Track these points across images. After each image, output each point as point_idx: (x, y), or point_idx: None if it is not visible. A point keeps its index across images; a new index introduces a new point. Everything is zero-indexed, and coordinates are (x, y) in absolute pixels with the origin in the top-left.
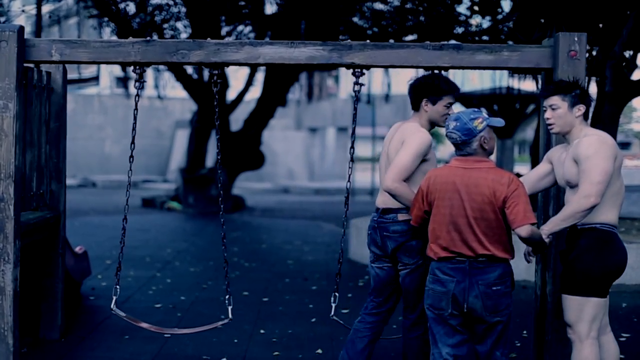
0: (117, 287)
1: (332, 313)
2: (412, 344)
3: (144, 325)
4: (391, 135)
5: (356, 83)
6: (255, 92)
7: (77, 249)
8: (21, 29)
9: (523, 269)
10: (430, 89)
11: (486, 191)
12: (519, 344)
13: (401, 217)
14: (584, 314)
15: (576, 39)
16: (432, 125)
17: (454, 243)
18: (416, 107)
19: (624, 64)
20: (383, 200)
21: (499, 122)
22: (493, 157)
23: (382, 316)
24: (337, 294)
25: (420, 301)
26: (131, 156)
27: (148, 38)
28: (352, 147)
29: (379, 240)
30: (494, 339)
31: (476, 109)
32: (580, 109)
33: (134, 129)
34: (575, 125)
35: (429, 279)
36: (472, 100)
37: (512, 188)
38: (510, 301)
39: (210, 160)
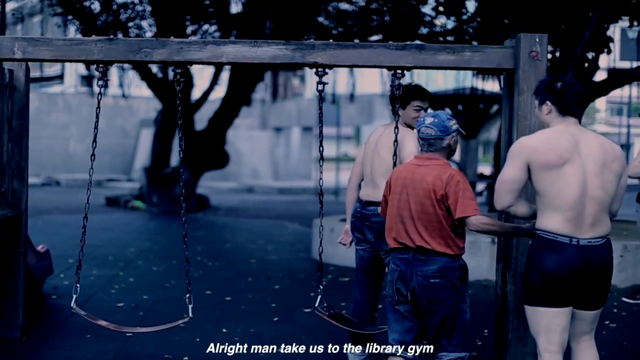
0: (77, 285)
1: (317, 304)
2: (366, 315)
3: (103, 323)
4: (377, 136)
5: (319, 82)
6: (220, 92)
7: (40, 248)
8: None
9: (485, 268)
10: (400, 96)
11: (427, 186)
12: (480, 343)
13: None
14: (535, 324)
15: (537, 39)
16: (408, 127)
17: (400, 234)
18: (395, 112)
19: (586, 65)
20: (367, 193)
21: (462, 131)
22: (457, 157)
23: (369, 299)
24: (321, 286)
25: None
26: (93, 154)
27: (111, 36)
28: (321, 145)
29: (362, 228)
30: (435, 327)
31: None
32: (547, 107)
33: (96, 127)
34: (550, 124)
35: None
36: (436, 100)
37: (451, 184)
38: (452, 294)
39: (175, 159)
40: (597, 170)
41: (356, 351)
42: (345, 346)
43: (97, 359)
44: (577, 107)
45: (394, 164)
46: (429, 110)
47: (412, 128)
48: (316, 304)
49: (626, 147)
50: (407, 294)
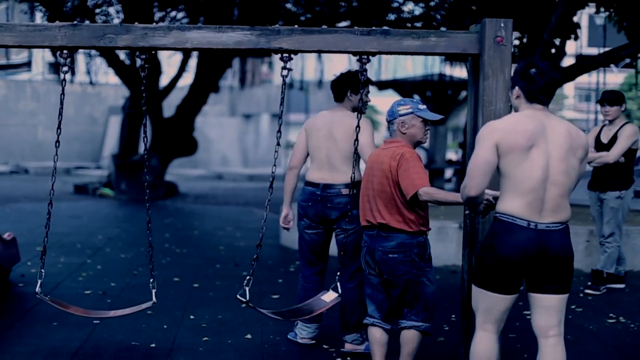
0: (42, 271)
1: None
2: (350, 293)
3: (71, 309)
4: (327, 122)
5: (284, 68)
6: (188, 79)
7: (6, 236)
8: None
9: (453, 254)
10: (352, 82)
11: (385, 167)
12: (447, 328)
13: (344, 191)
14: (476, 303)
15: (502, 25)
16: (354, 111)
17: (366, 213)
18: (340, 98)
19: (553, 50)
20: (322, 177)
21: (431, 115)
22: (426, 143)
23: (320, 277)
24: (250, 277)
25: (355, 258)
26: (57, 141)
27: (75, 22)
28: (279, 130)
29: (321, 211)
30: (396, 297)
31: (417, 100)
32: (516, 91)
33: (60, 113)
34: (518, 108)
35: None
36: (405, 87)
37: (401, 162)
38: (410, 268)
39: (143, 146)
40: (562, 155)
41: (307, 328)
42: (296, 322)
43: (64, 346)
44: (546, 95)
45: (356, 149)
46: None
47: (362, 113)
48: (238, 294)
49: None
50: (375, 267)
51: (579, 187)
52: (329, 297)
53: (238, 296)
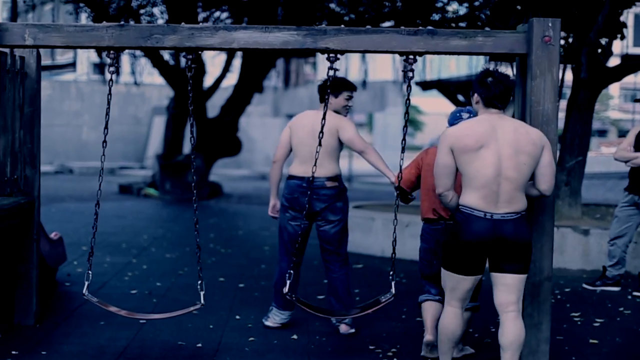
0: (89, 272)
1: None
2: (346, 277)
3: (114, 309)
4: (311, 121)
5: (330, 68)
6: (232, 79)
7: (53, 235)
8: None
9: None
10: (333, 86)
11: None
12: (493, 330)
13: (329, 183)
14: (444, 282)
15: (550, 24)
16: (337, 112)
17: (434, 206)
18: (323, 100)
19: (599, 50)
20: (306, 170)
21: None
22: None
23: (297, 269)
24: (291, 272)
25: (342, 245)
26: (104, 141)
27: (122, 22)
28: (322, 131)
29: (306, 202)
30: None
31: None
32: (475, 97)
33: (107, 113)
34: (478, 112)
35: None
36: (449, 87)
37: None
38: None
39: (188, 146)
40: (511, 153)
41: (280, 314)
42: (270, 307)
43: (110, 345)
44: (501, 101)
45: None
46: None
47: (340, 114)
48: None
49: None
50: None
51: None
52: (386, 297)
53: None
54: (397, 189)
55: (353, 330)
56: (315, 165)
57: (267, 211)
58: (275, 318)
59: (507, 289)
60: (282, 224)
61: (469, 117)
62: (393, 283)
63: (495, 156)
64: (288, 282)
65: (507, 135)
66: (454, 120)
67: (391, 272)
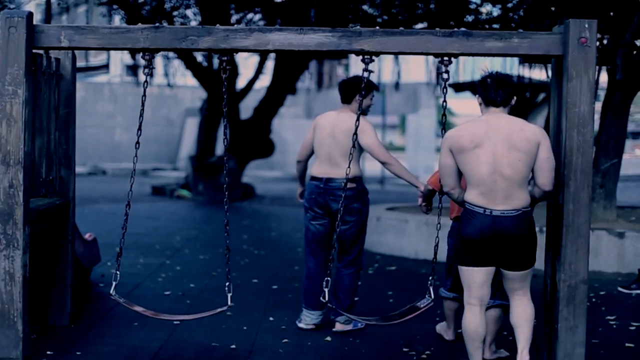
0: (117, 272)
1: (325, 297)
2: (347, 279)
3: (140, 309)
4: (331, 122)
5: (365, 70)
6: (265, 81)
7: (87, 236)
8: (30, 15)
9: None
10: (361, 86)
11: None
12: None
13: (348, 185)
14: (462, 280)
15: (586, 25)
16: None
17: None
18: (349, 100)
19: (635, 52)
20: (325, 171)
21: None
22: None
23: (324, 267)
24: (328, 278)
25: (354, 247)
26: (137, 142)
27: (157, 24)
28: (355, 133)
29: (324, 202)
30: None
31: None
32: (478, 99)
33: (141, 114)
34: (482, 113)
35: None
36: None
37: None
38: None
39: (220, 148)
40: (505, 151)
41: (311, 314)
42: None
43: (144, 346)
44: (500, 100)
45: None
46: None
47: (365, 114)
48: (324, 298)
49: None
50: None
51: None
52: (423, 302)
53: (325, 302)
54: (440, 194)
55: (349, 328)
56: (348, 166)
57: (300, 213)
58: (306, 319)
59: (512, 281)
60: (306, 225)
61: None
62: (431, 288)
63: (490, 154)
64: (326, 290)
65: (501, 133)
66: None
67: (430, 277)
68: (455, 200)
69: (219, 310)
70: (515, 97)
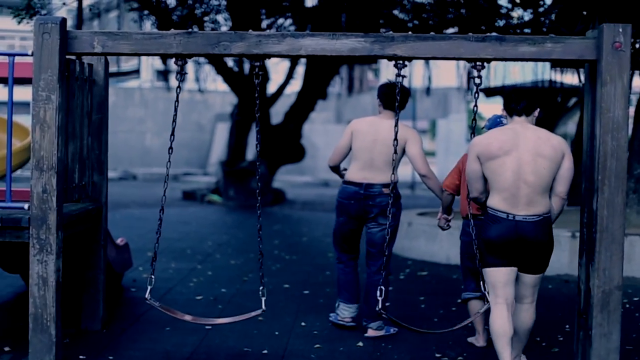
0: (152, 277)
1: (379, 307)
2: (373, 283)
3: (178, 314)
4: (375, 128)
5: (398, 75)
6: (295, 86)
7: (119, 241)
8: (63, 21)
9: (565, 262)
10: (407, 95)
11: None
12: (561, 339)
13: (385, 190)
14: (486, 282)
15: (621, 30)
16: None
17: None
18: (392, 106)
19: None
20: (364, 176)
21: None
22: None
23: (356, 262)
24: (382, 287)
25: (385, 250)
26: (170, 147)
27: (190, 30)
28: (395, 139)
29: (361, 209)
30: None
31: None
32: (503, 111)
33: (174, 120)
34: (508, 123)
35: None
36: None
37: None
38: None
39: (251, 153)
40: (530, 159)
41: (348, 308)
42: (337, 304)
43: (177, 351)
44: (523, 111)
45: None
46: None
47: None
48: (378, 307)
49: None
50: None
51: None
52: (476, 307)
53: (378, 309)
54: (480, 204)
55: (381, 333)
56: (393, 172)
57: (332, 219)
58: (344, 312)
59: (525, 286)
60: (337, 226)
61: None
62: (487, 293)
63: (516, 162)
64: (380, 299)
65: (529, 142)
66: (493, 125)
67: (482, 281)
68: (481, 205)
69: (253, 313)
70: (538, 109)
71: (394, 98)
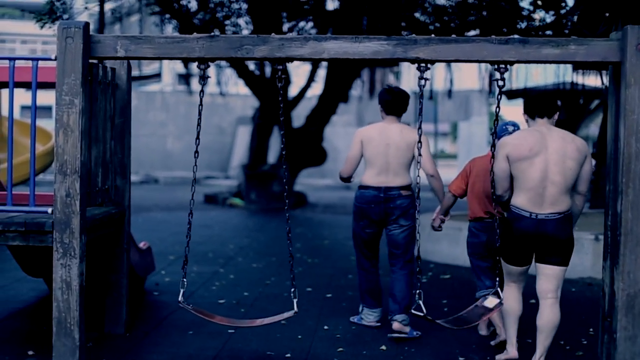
0: (184, 280)
1: (413, 307)
2: (405, 278)
3: (214, 318)
4: (390, 133)
5: (421, 78)
6: (316, 89)
7: (141, 245)
8: (87, 25)
9: (588, 265)
10: (407, 98)
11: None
12: (585, 342)
13: (404, 192)
14: (503, 269)
15: None
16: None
17: (485, 206)
18: (394, 111)
19: None
20: (382, 180)
21: None
22: None
23: (377, 267)
24: (420, 291)
25: (409, 249)
26: (196, 151)
27: (212, 34)
28: (420, 141)
29: (382, 212)
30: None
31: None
32: (525, 115)
33: (198, 124)
34: (528, 125)
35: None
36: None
37: None
38: None
39: (272, 156)
40: (558, 159)
41: (373, 313)
42: (360, 308)
43: (200, 355)
44: (545, 113)
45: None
46: None
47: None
48: (413, 308)
49: None
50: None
51: None
52: (491, 303)
53: (413, 311)
54: (502, 203)
55: (407, 330)
56: (418, 174)
57: (351, 219)
58: (369, 317)
59: (547, 278)
60: (357, 231)
61: (514, 130)
62: (499, 288)
63: (544, 163)
64: (420, 302)
65: (555, 144)
66: (501, 132)
67: (497, 279)
68: (502, 205)
69: (286, 315)
70: (558, 112)
71: (394, 103)
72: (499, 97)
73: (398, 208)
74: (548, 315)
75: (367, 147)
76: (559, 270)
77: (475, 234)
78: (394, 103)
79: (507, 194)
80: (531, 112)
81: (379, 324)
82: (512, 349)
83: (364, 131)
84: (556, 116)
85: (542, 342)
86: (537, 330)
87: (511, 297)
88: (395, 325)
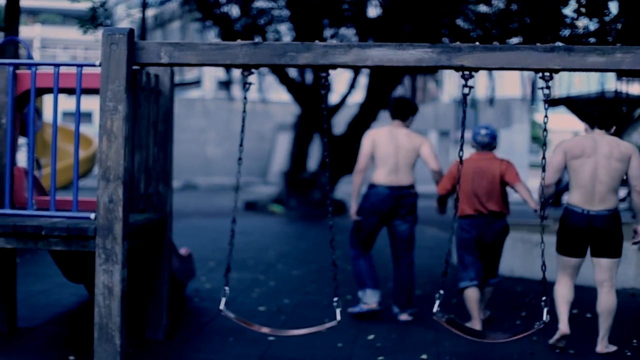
0: (226, 288)
1: (435, 310)
2: (406, 271)
3: (254, 327)
4: (398, 137)
5: (465, 86)
6: (357, 96)
7: (182, 251)
8: (131, 32)
9: (631, 276)
10: (414, 109)
11: (495, 170)
12: (629, 354)
13: (412, 190)
14: (558, 263)
15: None
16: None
17: (474, 205)
18: (405, 118)
19: None
20: (392, 179)
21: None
22: None
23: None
24: (442, 291)
25: (412, 243)
26: (240, 158)
27: (256, 41)
28: (461, 149)
29: (392, 208)
30: (494, 262)
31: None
32: (584, 125)
33: (242, 131)
34: (586, 133)
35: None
36: (577, 103)
37: (508, 166)
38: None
39: (313, 163)
40: (605, 162)
41: (375, 293)
42: (361, 294)
43: None
44: (602, 125)
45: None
46: None
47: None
48: (434, 310)
49: None
50: (480, 244)
51: None
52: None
53: (435, 318)
54: (549, 196)
55: (411, 319)
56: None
57: (355, 217)
58: (372, 298)
59: (602, 270)
60: (365, 225)
61: (486, 132)
62: (545, 310)
63: (594, 164)
64: (437, 301)
65: (604, 148)
66: (474, 134)
67: (543, 299)
68: (547, 194)
69: (328, 325)
70: (615, 126)
71: (396, 109)
72: (546, 106)
73: (407, 205)
74: (605, 301)
75: (378, 148)
76: (611, 262)
77: (467, 230)
78: (395, 109)
79: (552, 188)
80: (592, 123)
81: (380, 307)
82: (563, 326)
83: (374, 133)
84: (612, 130)
85: (603, 324)
86: (598, 315)
87: (565, 286)
88: (403, 317)
